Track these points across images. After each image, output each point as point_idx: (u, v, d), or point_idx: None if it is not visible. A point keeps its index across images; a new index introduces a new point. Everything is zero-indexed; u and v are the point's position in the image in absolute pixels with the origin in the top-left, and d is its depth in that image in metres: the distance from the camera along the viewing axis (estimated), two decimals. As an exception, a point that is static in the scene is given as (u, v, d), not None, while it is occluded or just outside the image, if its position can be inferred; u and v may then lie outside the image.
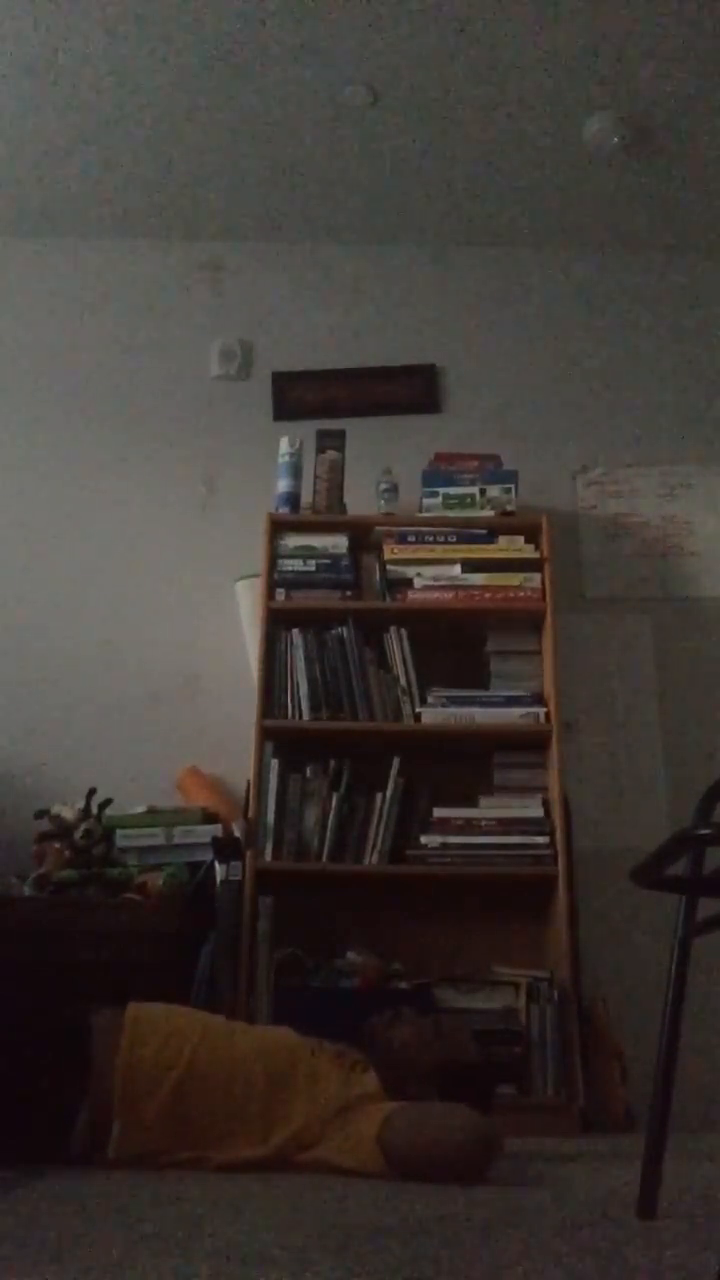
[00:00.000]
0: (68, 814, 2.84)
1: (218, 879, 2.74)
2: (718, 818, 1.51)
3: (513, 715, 2.95)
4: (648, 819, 3.15)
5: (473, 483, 3.22)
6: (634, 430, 3.63)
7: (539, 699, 2.97)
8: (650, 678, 3.34)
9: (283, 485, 3.16)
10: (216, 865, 2.76)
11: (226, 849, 2.79)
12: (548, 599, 3.04)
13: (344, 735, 2.96)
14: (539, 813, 2.88)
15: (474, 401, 3.66)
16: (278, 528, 3.11)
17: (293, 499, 3.16)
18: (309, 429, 3.26)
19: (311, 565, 3.07)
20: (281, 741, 2.93)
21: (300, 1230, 1.32)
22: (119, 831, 2.83)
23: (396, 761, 2.91)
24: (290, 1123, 1.83)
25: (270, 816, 2.84)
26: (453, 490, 3.21)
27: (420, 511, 3.21)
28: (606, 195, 3.59)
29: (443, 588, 3.06)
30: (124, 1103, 1.83)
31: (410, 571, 3.08)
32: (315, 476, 3.19)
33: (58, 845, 2.79)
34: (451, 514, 3.18)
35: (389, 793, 2.87)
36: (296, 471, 3.18)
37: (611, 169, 3.46)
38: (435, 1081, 1.92)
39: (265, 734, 2.91)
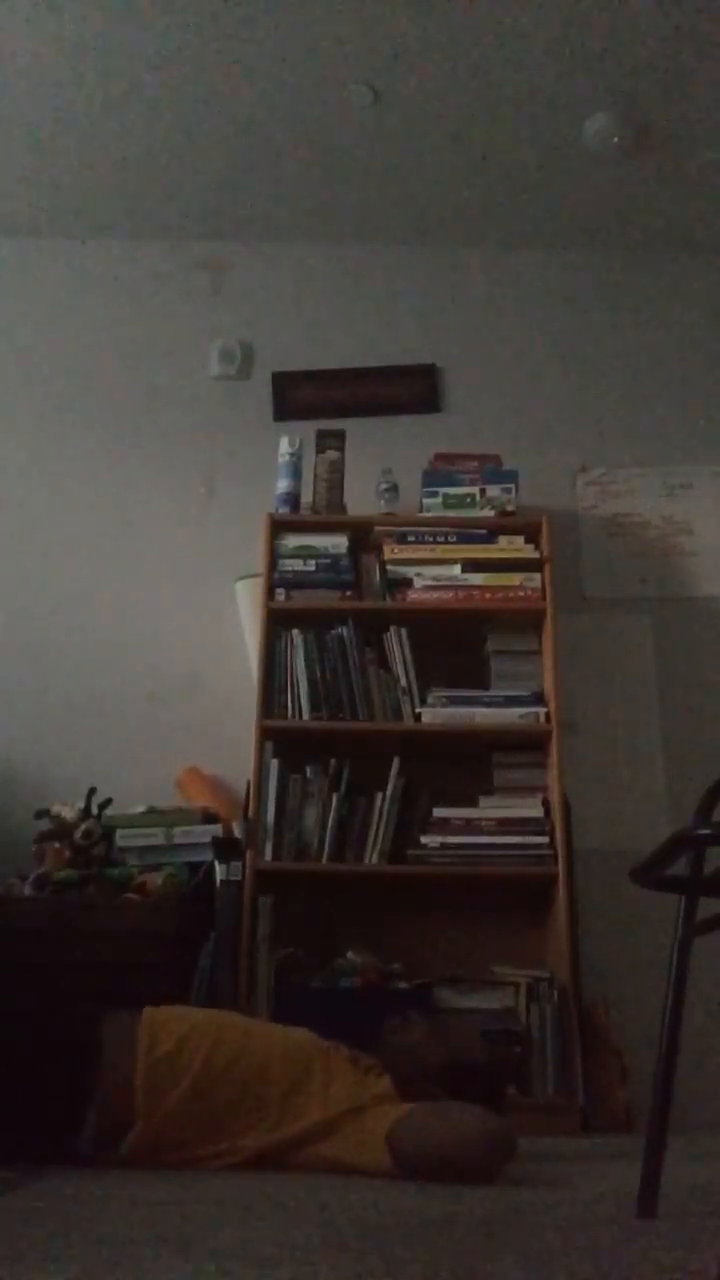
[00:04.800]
0: (68, 814, 2.84)
1: (218, 879, 2.74)
2: (718, 817, 1.51)
3: (513, 715, 2.95)
4: (648, 819, 3.15)
5: (473, 483, 3.22)
6: (634, 430, 3.63)
7: (539, 699, 2.97)
8: (650, 678, 3.34)
9: (283, 485, 3.16)
10: (216, 865, 2.76)
11: (226, 849, 2.79)
12: (548, 599, 3.04)
13: (344, 735, 2.96)
14: (539, 813, 2.88)
15: (474, 401, 3.66)
16: (278, 528, 3.11)
17: (293, 499, 3.16)
18: (309, 429, 3.25)
19: (311, 565, 3.07)
20: (281, 741, 2.93)
21: (300, 1230, 1.32)
22: (119, 831, 2.83)
23: (396, 761, 2.91)
24: (302, 1121, 1.83)
25: (270, 816, 2.84)
26: (453, 490, 3.21)
27: (420, 511, 3.21)
28: (606, 195, 3.59)
29: (443, 588, 3.06)
30: (144, 1103, 1.83)
31: (410, 571, 3.08)
32: (315, 476, 3.19)
33: (58, 845, 2.79)
34: (451, 514, 3.18)
35: (389, 793, 2.87)
36: (296, 471, 3.18)
37: (611, 169, 3.46)
38: (444, 1083, 1.92)
39: (265, 734, 2.91)
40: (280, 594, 3.04)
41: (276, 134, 3.36)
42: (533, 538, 3.13)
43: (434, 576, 3.07)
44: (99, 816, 2.84)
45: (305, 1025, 2.06)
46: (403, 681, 2.98)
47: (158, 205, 3.67)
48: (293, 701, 2.95)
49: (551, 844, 2.83)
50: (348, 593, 3.07)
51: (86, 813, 2.83)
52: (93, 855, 2.78)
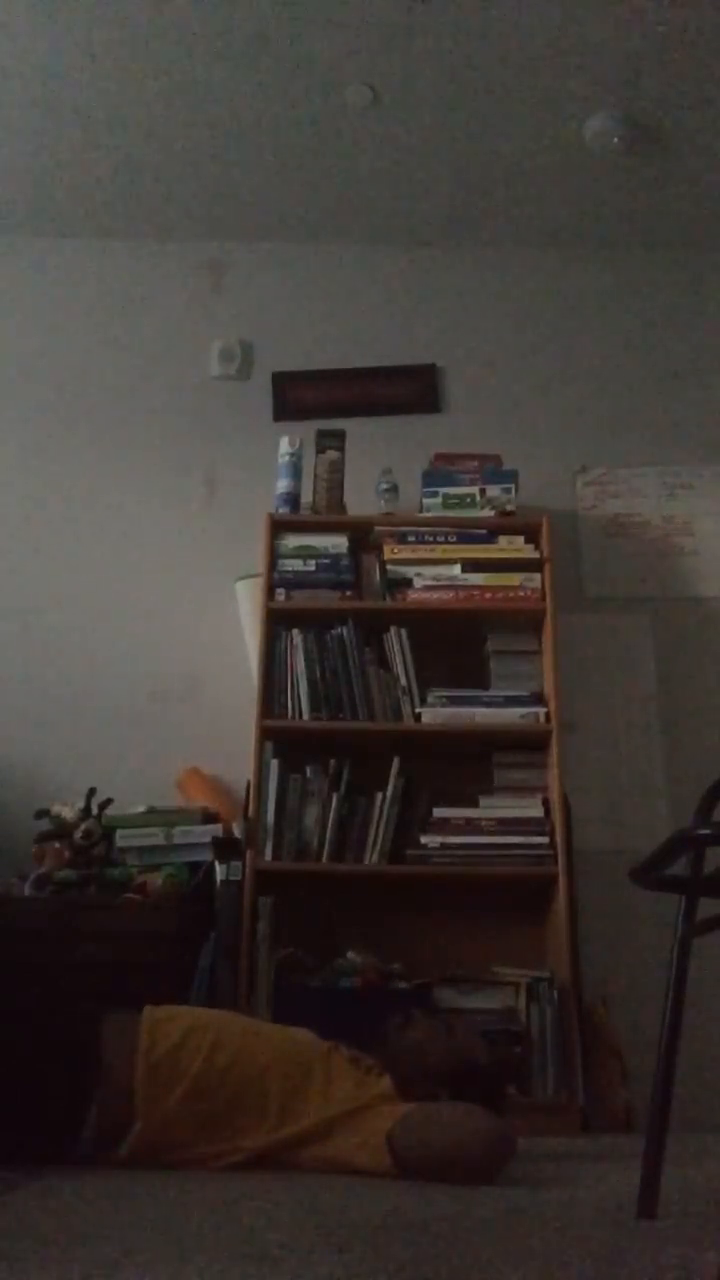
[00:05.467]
0: (68, 814, 2.84)
1: (218, 879, 2.74)
2: (718, 817, 1.51)
3: (513, 715, 2.95)
4: (648, 819, 3.15)
5: (473, 483, 3.22)
6: (634, 430, 3.63)
7: (539, 699, 2.97)
8: (650, 678, 3.34)
9: (283, 485, 3.16)
10: (216, 865, 2.76)
11: (226, 849, 2.79)
12: (548, 599, 3.04)
13: (344, 735, 2.96)
14: (539, 813, 2.88)
15: (474, 401, 3.66)
16: (278, 528, 3.11)
17: (293, 499, 3.16)
18: (309, 429, 3.25)
19: (311, 565, 3.07)
20: (281, 741, 2.93)
21: (300, 1230, 1.32)
22: (119, 831, 2.83)
23: (396, 761, 2.91)
24: (302, 1121, 1.83)
25: (270, 816, 2.83)
26: (453, 490, 3.21)
27: (420, 511, 3.21)
28: (606, 195, 3.59)
29: (443, 588, 3.06)
30: (144, 1102, 1.83)
31: (410, 571, 3.08)
32: (315, 476, 3.19)
33: (58, 845, 2.79)
34: (451, 514, 3.18)
35: (389, 793, 2.87)
36: (296, 471, 3.18)
37: (611, 169, 3.46)
38: (445, 1082, 1.92)
39: (265, 734, 2.91)
40: (280, 594, 3.04)
41: (276, 134, 3.36)
42: (533, 538, 3.13)
43: (434, 576, 3.07)
44: (99, 816, 2.84)
45: (305, 1025, 2.06)
46: (403, 681, 2.98)
47: (158, 205, 3.67)
48: (293, 701, 2.95)
49: (551, 844, 2.83)
50: (348, 593, 3.07)
51: (86, 813, 2.84)
52: (93, 855, 2.78)
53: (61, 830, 2.82)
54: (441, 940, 2.90)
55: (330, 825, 2.84)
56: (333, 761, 2.91)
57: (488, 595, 3.06)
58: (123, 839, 2.83)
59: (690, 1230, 1.33)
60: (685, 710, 3.30)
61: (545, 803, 2.90)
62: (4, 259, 3.81)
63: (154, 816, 2.90)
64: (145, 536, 3.51)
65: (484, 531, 3.13)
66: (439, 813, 2.88)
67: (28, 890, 2.71)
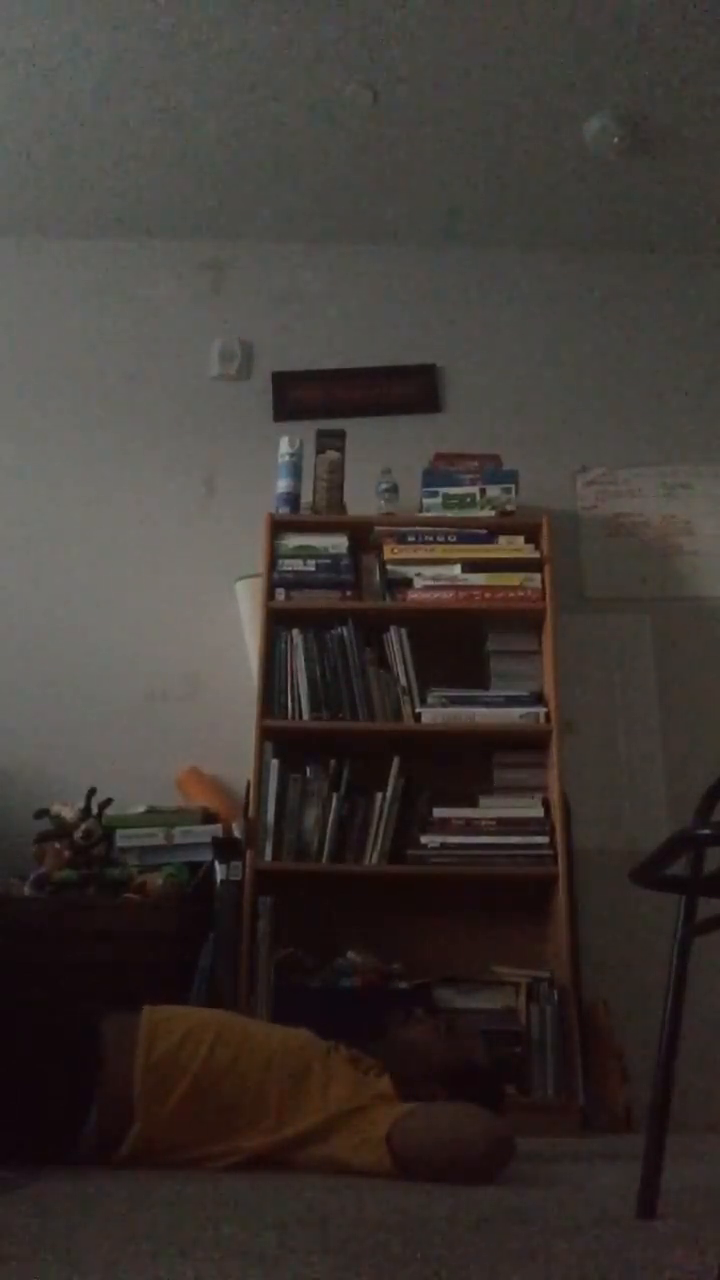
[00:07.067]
0: (68, 814, 2.84)
1: (218, 879, 2.74)
2: (718, 817, 1.51)
3: (513, 715, 2.95)
4: (648, 819, 3.15)
5: (473, 483, 3.22)
6: (634, 430, 3.63)
7: (539, 699, 2.97)
8: (650, 678, 3.34)
9: (283, 485, 3.16)
10: (216, 865, 2.76)
11: (226, 849, 2.79)
12: (548, 599, 3.04)
13: (344, 735, 2.96)
14: (539, 813, 2.88)
15: (474, 401, 3.66)
16: (278, 528, 3.11)
17: (293, 499, 3.16)
18: (309, 429, 3.25)
19: (311, 565, 3.07)
20: (281, 741, 2.93)
21: (300, 1230, 1.32)
22: (119, 831, 2.84)
23: (396, 761, 2.91)
24: (302, 1121, 1.83)
25: (270, 816, 2.83)
26: (453, 490, 3.21)
27: (420, 511, 3.21)
28: (606, 195, 3.59)
29: (443, 588, 3.06)
30: (144, 1102, 1.83)
31: (410, 571, 3.08)
32: (315, 476, 3.19)
33: (58, 845, 2.79)
34: (451, 514, 3.18)
35: (389, 793, 2.87)
36: (296, 471, 3.18)
37: (611, 169, 3.46)
38: (445, 1082, 1.92)
39: (265, 734, 2.91)
40: (280, 594, 3.04)
41: (276, 134, 3.36)
42: (533, 538, 3.13)
43: (434, 576, 3.07)
44: (99, 816, 2.84)
45: (305, 1025, 2.06)
46: (403, 681, 2.98)
47: (158, 205, 3.67)
48: (293, 701, 2.95)
49: (551, 844, 2.83)
50: (348, 593, 3.07)
51: (86, 813, 2.84)
52: (93, 855, 2.78)
53: (61, 830, 2.82)
54: (441, 940, 2.90)
55: (330, 825, 2.84)
56: (333, 761, 2.91)
57: (488, 595, 3.06)
58: (123, 839, 2.83)
59: (690, 1230, 1.33)
60: (685, 710, 3.30)
61: (545, 803, 2.90)
62: (4, 259, 3.81)
63: (154, 816, 2.90)
64: (145, 536, 3.51)
65: (484, 531, 3.13)
66: (439, 813, 2.88)
67: (28, 890, 2.72)
